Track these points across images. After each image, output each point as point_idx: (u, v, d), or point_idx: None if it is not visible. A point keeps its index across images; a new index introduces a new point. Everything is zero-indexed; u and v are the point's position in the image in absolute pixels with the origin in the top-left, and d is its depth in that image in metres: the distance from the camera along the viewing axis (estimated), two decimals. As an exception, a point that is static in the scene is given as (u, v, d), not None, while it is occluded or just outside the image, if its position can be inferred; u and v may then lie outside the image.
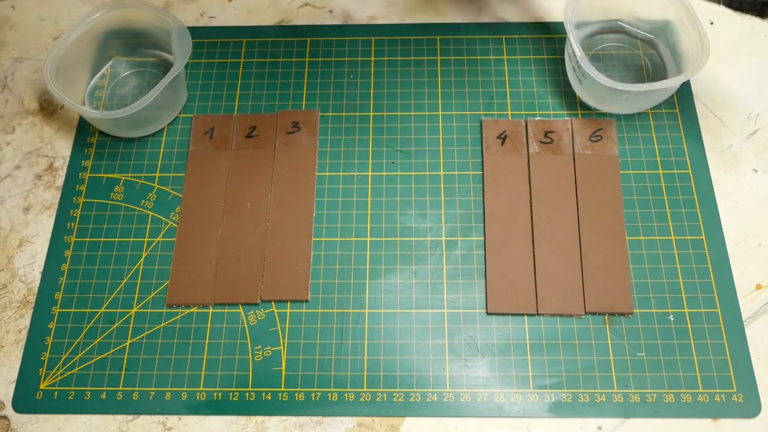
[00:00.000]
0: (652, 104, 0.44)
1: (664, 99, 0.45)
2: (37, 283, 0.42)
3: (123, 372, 0.39)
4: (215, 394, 0.39)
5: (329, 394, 0.38)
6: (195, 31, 0.49)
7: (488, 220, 0.42)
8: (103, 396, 0.39)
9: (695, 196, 0.43)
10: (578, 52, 0.41)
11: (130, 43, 0.48)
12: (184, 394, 0.39)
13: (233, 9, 0.51)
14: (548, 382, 0.38)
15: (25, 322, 0.41)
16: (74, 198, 0.44)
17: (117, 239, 0.43)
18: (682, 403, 0.38)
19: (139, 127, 0.45)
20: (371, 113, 0.46)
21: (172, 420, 0.38)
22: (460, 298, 0.41)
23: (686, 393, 0.38)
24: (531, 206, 0.42)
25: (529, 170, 0.43)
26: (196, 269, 0.41)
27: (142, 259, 0.42)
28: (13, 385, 0.39)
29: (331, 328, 0.40)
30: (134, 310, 0.41)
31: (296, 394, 0.38)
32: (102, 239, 0.43)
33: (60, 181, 0.45)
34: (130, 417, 0.38)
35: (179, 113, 0.46)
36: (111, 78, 0.48)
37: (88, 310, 0.41)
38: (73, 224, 0.43)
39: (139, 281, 0.42)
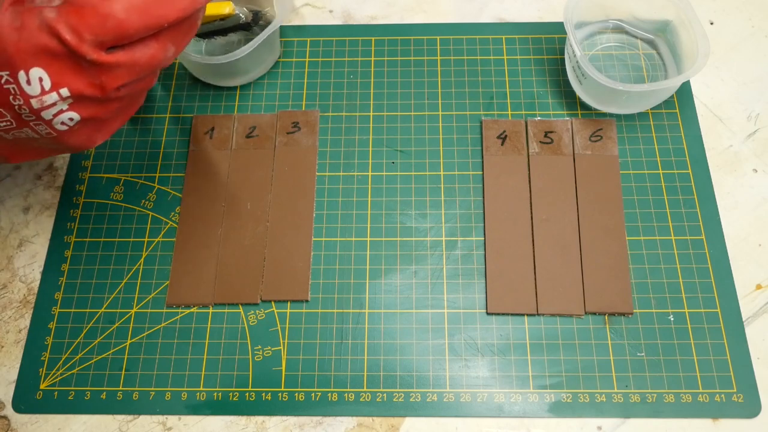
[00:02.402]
0: (652, 104, 0.44)
1: (664, 99, 0.45)
2: (37, 283, 0.42)
3: (123, 372, 0.39)
4: (215, 394, 0.39)
5: (329, 394, 0.38)
6: (195, 31, 0.49)
7: (488, 220, 0.42)
8: (103, 396, 0.39)
9: (695, 196, 0.43)
10: (578, 52, 0.41)
11: None
12: (184, 394, 0.39)
13: (233, 9, 0.51)
14: (548, 382, 0.38)
15: (25, 322, 0.41)
16: (74, 198, 0.44)
17: (117, 239, 0.43)
18: (682, 403, 0.38)
19: (230, 77, 0.46)
20: (371, 113, 0.46)
21: (172, 420, 0.38)
22: (460, 298, 0.41)
23: (686, 393, 0.38)
24: (531, 206, 0.42)
25: (529, 170, 0.43)
26: (196, 269, 0.41)
27: (142, 259, 0.42)
28: (13, 385, 0.39)
29: (331, 328, 0.40)
30: (134, 310, 0.41)
31: (296, 394, 0.38)
32: (102, 239, 0.43)
33: (60, 181, 0.45)
34: (130, 417, 0.38)
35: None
36: None
37: (88, 310, 0.41)
38: (73, 224, 0.43)
39: (139, 281, 0.42)
